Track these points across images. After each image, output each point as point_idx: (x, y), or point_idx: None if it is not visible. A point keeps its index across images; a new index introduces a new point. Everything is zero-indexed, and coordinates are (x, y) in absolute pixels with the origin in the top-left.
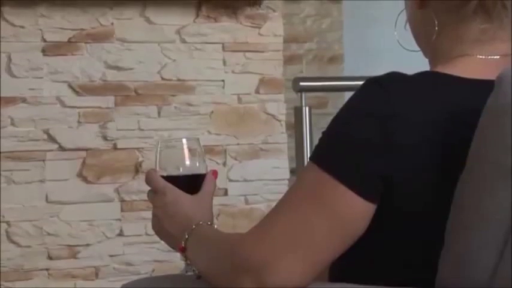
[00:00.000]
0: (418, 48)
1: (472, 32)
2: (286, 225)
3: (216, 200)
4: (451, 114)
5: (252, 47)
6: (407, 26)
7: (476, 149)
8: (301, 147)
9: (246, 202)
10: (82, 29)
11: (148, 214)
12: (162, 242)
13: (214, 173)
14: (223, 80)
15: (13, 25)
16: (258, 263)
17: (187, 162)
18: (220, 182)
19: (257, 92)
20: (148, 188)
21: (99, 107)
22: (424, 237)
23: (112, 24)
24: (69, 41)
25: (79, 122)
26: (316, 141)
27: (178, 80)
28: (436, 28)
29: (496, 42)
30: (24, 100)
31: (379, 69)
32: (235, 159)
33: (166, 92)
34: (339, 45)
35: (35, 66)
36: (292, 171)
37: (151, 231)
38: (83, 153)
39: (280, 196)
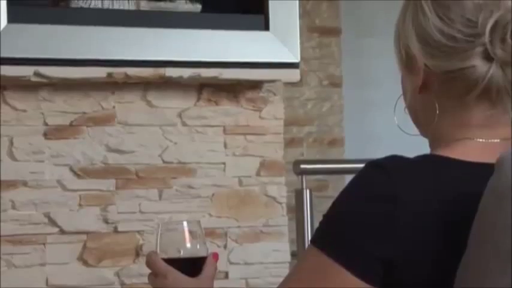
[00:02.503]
0: (418, 133)
1: (475, 118)
2: None
3: (217, 283)
4: (451, 197)
5: (252, 129)
6: (407, 109)
7: (477, 232)
8: (301, 230)
9: (247, 285)
10: (84, 113)
11: None
12: None
13: (215, 256)
14: (224, 163)
15: (15, 109)
16: None
17: (188, 245)
18: (221, 265)
19: (258, 174)
20: (149, 271)
21: (100, 190)
22: None
23: (113, 107)
24: (70, 125)
25: (80, 205)
26: (316, 224)
27: (179, 162)
28: (438, 112)
29: (498, 126)
30: (25, 184)
31: (379, 153)
32: (236, 242)
33: (168, 174)
34: (339, 128)
35: (37, 149)
36: (293, 254)
37: None
38: (84, 237)
39: (281, 279)
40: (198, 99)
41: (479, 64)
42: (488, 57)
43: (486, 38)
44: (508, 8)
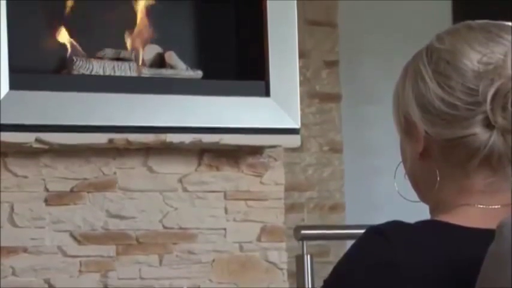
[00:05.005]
0: (418, 199)
1: (476, 185)
2: None
3: None
4: (452, 262)
5: (253, 195)
6: (407, 176)
7: None
8: None
9: None
10: (85, 179)
11: None
12: None
13: None
14: (224, 228)
15: (16, 175)
16: None
17: None
18: None
19: (258, 240)
20: None
21: (101, 256)
22: None
23: (115, 173)
24: (71, 191)
25: (80, 271)
26: None
27: (180, 228)
28: (438, 179)
29: (499, 193)
30: (25, 250)
31: (380, 218)
32: None
33: (168, 240)
34: (340, 194)
35: (37, 216)
36: None
37: None
38: None
39: None
40: (199, 164)
41: (480, 132)
42: (489, 125)
43: (487, 106)
44: (508, 77)
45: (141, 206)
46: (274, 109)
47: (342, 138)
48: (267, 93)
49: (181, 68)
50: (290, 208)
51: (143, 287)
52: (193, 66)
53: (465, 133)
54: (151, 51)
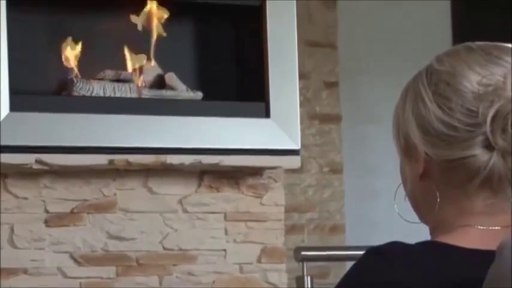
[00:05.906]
0: (418, 220)
1: (476, 206)
2: None
3: None
4: (452, 283)
5: (253, 216)
6: (407, 197)
7: None
8: None
9: None
10: (85, 200)
11: None
12: None
13: None
14: (224, 250)
15: (16, 197)
16: None
17: None
18: None
19: (259, 261)
20: None
21: (101, 277)
22: None
23: (115, 194)
24: (71, 212)
25: None
26: None
27: (180, 249)
28: (438, 200)
29: (499, 214)
30: (25, 271)
31: (380, 239)
32: None
33: (168, 261)
34: (340, 215)
35: (37, 237)
36: None
37: None
38: None
39: None
40: (199, 185)
41: (480, 153)
42: (489, 147)
43: (487, 127)
44: (508, 99)
45: (141, 227)
46: (274, 130)
47: (342, 159)
48: (267, 115)
49: (181, 89)
50: (290, 229)
51: None
52: (193, 87)
53: (465, 154)
54: (151, 72)
